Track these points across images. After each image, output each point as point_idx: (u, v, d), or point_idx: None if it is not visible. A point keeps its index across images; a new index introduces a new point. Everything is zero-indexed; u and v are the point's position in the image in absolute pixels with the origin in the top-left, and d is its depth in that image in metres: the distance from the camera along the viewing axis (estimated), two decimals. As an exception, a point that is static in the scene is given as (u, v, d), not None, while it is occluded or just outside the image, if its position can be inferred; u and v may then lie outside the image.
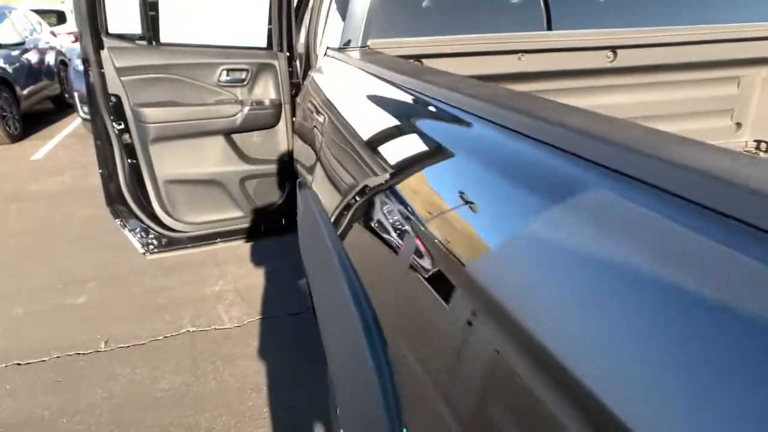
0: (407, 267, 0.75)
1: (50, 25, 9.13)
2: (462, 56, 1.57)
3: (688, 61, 1.73)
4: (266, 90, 2.34)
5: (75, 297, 2.94)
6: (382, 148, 1.01)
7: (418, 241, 0.73)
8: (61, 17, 10.40)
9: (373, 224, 0.93)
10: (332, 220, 1.16)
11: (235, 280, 3.05)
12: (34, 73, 7.24)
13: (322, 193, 1.30)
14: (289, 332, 2.56)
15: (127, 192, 2.27)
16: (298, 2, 2.84)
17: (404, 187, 0.86)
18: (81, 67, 6.02)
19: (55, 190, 4.67)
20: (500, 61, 1.60)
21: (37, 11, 9.00)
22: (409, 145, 0.92)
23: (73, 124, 7.22)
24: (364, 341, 0.81)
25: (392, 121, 1.02)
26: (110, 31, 2.01)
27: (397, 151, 0.95)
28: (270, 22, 2.27)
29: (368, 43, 1.52)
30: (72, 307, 2.84)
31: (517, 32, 1.62)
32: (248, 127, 2.31)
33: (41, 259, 3.40)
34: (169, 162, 2.23)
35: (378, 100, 1.13)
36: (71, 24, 10.24)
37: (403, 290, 0.76)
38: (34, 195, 4.59)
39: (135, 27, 2.09)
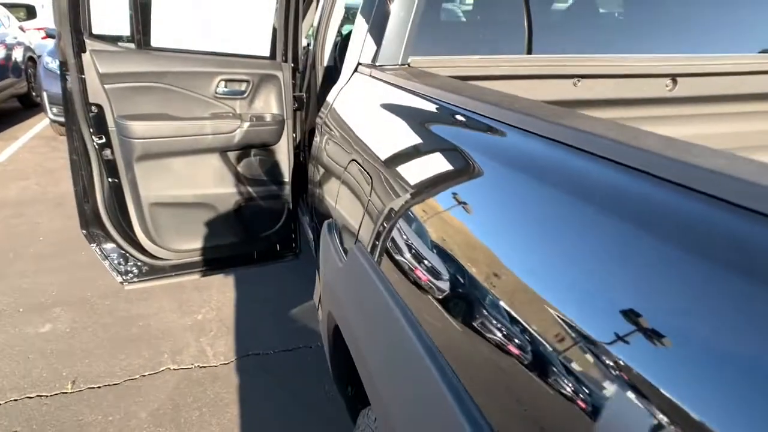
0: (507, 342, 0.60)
1: (19, 19, 8.64)
2: (510, 79, 1.38)
3: (755, 92, 1.58)
4: (268, 104, 2.10)
5: (38, 325, 2.62)
6: (468, 197, 0.79)
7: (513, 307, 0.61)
8: (30, 12, 9.89)
9: (461, 289, 0.72)
10: (400, 279, 0.93)
11: (219, 308, 2.78)
12: (0, 69, 6.78)
13: (382, 249, 1.08)
14: (282, 371, 2.31)
15: (105, 214, 1.99)
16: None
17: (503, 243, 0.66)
18: (51, 65, 5.63)
19: (18, 198, 4.30)
20: (554, 86, 1.42)
21: (5, 5, 8.51)
22: (504, 188, 0.72)
23: (41, 125, 6.79)
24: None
25: (478, 162, 0.81)
26: (94, 31, 1.75)
27: (489, 198, 0.75)
28: (274, 30, 2.04)
29: (408, 60, 1.32)
30: (35, 337, 2.52)
31: (573, 54, 1.44)
32: (247, 144, 2.07)
33: (3, 288, 3.06)
34: (156, 182, 1.96)
35: (457, 136, 0.92)
36: (41, 19, 9.75)
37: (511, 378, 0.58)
38: (-6, 203, 4.20)
39: (123, 28, 1.83)
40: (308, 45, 2.77)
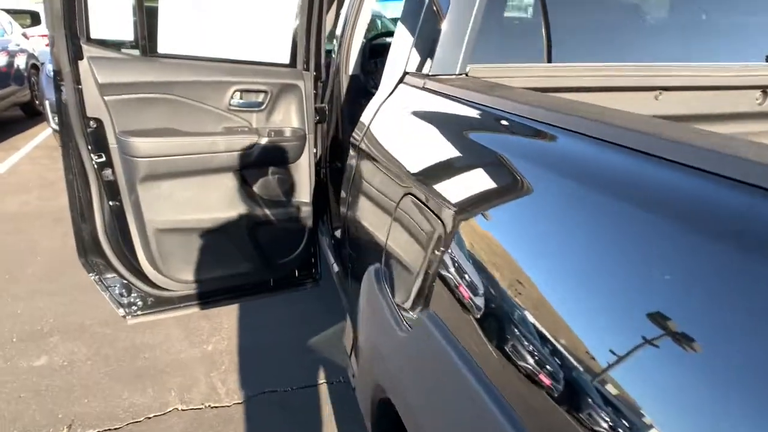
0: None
1: (23, 26, 8.49)
2: (583, 91, 1.15)
3: None
4: (288, 117, 1.88)
5: (33, 357, 2.40)
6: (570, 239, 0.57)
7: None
8: (35, 18, 9.73)
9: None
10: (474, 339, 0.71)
11: (231, 337, 2.55)
12: (2, 77, 6.61)
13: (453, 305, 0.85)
14: (301, 412, 2.07)
15: (105, 241, 1.77)
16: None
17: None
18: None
19: (17, 213, 4.09)
20: (632, 99, 1.19)
21: (8, 11, 8.36)
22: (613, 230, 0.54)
23: (43, 135, 6.61)
24: None
25: (598, 201, 0.59)
26: (92, 35, 1.53)
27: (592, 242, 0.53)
28: (295, 35, 1.82)
29: (467, 69, 1.09)
30: (28, 372, 2.30)
31: (655, 62, 1.21)
32: (264, 162, 1.84)
33: (-6, 303, 2.84)
34: (163, 206, 1.74)
35: (560, 164, 0.69)
36: (46, 26, 9.59)
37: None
38: (-9, 218, 4.00)
39: (125, 32, 1.61)
40: (330, 51, 2.56)
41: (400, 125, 1.16)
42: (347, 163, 1.37)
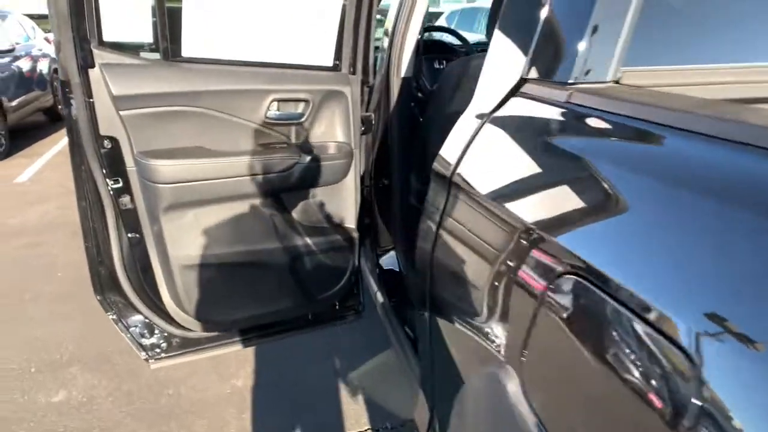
0: None
1: (45, 31, 8.42)
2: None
3: None
4: (331, 129, 1.61)
5: (51, 391, 2.19)
6: None
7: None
8: (58, 22, 9.67)
9: None
10: None
11: (261, 371, 2.31)
12: (25, 82, 6.51)
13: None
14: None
15: (124, 277, 1.53)
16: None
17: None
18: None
19: (36, 225, 3.93)
20: None
21: (31, 16, 8.30)
22: None
23: (65, 140, 6.45)
24: None
25: None
26: (105, 38, 1.29)
27: None
28: (340, 32, 1.55)
29: (619, 75, 0.79)
30: (46, 408, 2.09)
31: None
32: (306, 184, 1.58)
33: (10, 326, 2.66)
34: (189, 238, 1.49)
35: None
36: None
37: None
38: (12, 231, 3.85)
39: (144, 32, 1.36)
40: (376, 49, 2.27)
41: (530, 156, 0.83)
42: (430, 200, 1.06)
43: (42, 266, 3.26)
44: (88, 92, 1.29)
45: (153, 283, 1.55)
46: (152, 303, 1.59)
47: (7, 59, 6.24)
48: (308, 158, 1.52)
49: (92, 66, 1.28)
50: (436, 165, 1.03)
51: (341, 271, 1.77)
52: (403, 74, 1.74)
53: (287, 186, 1.54)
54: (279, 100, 1.51)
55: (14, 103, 6.15)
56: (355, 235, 1.73)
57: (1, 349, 2.46)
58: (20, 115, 6.30)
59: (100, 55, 1.28)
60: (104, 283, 1.56)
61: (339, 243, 1.71)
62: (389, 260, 1.94)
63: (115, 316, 1.62)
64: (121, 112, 1.32)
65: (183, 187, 1.39)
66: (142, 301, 1.58)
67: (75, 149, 1.40)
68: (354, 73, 1.62)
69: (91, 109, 1.31)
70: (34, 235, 3.72)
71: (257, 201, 1.54)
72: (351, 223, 1.73)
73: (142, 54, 1.38)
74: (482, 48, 3.19)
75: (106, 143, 1.35)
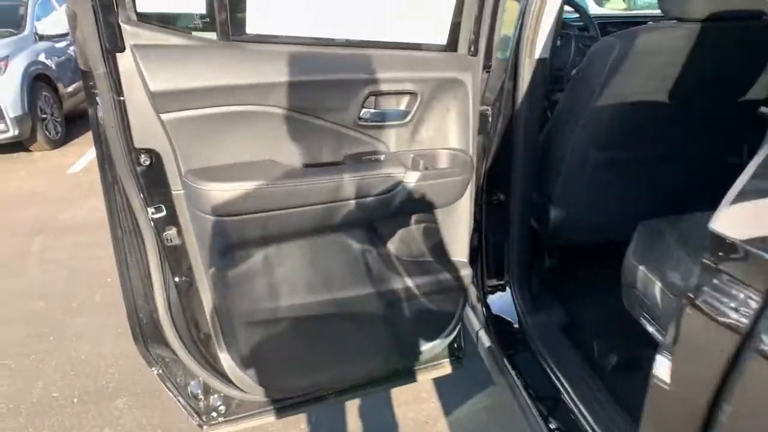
0: None
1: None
2: None
3: None
4: (444, 132, 1.18)
5: (94, 429, 1.91)
6: None
7: None
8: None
9: None
10: None
11: (336, 417, 1.93)
12: (77, 69, 6.38)
13: None
14: None
15: (171, 329, 1.16)
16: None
17: None
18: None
19: (86, 221, 3.74)
20: None
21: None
22: None
23: (120, 127, 6.35)
24: None
25: None
26: (140, 8, 0.88)
27: None
28: (459, 4, 1.09)
29: None
30: (87, 455, 1.80)
31: None
32: (412, 209, 1.15)
33: (54, 341, 2.41)
34: (258, 286, 1.10)
35: None
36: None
37: None
38: (62, 227, 3.68)
39: (193, 2, 0.95)
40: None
41: None
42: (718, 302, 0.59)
43: (90, 270, 3.02)
44: (117, 87, 0.90)
45: (206, 335, 1.17)
46: (204, 359, 1.22)
47: (63, 44, 6.12)
48: (417, 176, 1.08)
49: (122, 49, 0.88)
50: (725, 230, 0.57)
51: (446, 317, 1.34)
52: (538, 54, 1.26)
53: (387, 212, 1.11)
54: (377, 94, 1.08)
55: (70, 89, 6.04)
56: (466, 272, 1.29)
57: (43, 370, 2.21)
58: (76, 101, 6.19)
59: (133, 33, 0.88)
60: (147, 332, 1.20)
61: (446, 282, 1.28)
62: (500, 301, 1.50)
63: (161, 371, 1.26)
64: (162, 116, 0.93)
65: (248, 221, 0.99)
66: (194, 359, 1.21)
67: (105, 164, 1.03)
68: (475, 53, 1.17)
69: (121, 110, 0.92)
70: (84, 234, 3.51)
71: (346, 234, 1.12)
72: (462, 255, 1.29)
73: (192, 33, 0.97)
74: (604, 22, 2.65)
75: (143, 158, 0.96)
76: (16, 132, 5.05)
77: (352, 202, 1.05)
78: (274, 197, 0.99)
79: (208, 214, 0.97)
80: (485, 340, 1.54)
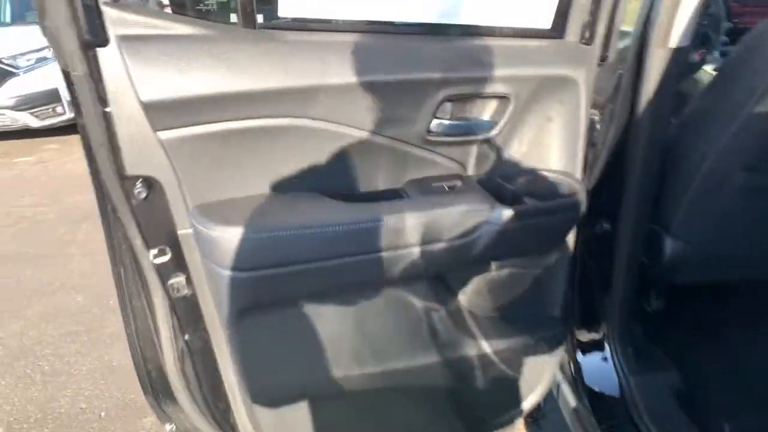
0: None
1: None
2: None
3: None
4: (543, 147, 0.86)
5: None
6: None
7: None
8: None
9: None
10: None
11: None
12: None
13: None
14: None
15: (184, 391, 0.93)
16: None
17: None
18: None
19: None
20: None
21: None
22: None
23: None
24: None
25: None
26: None
27: None
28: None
29: None
30: (107, 486, 1.64)
31: None
32: (497, 257, 0.86)
33: (87, 343, 2.32)
34: (290, 357, 0.84)
35: None
36: None
37: None
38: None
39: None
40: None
41: None
42: None
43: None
44: (102, 97, 0.64)
45: (227, 409, 0.93)
46: (221, 426, 0.99)
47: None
48: (506, 212, 0.78)
49: (104, 42, 0.62)
50: None
51: (529, 385, 1.05)
52: (675, 42, 0.92)
53: (464, 262, 0.82)
54: (454, 99, 0.78)
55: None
56: (560, 330, 0.99)
57: (74, 376, 2.09)
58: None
59: (118, 20, 0.62)
60: (156, 386, 0.98)
61: (532, 348, 0.97)
62: (594, 361, 1.17)
63: (172, 426, 1.04)
64: (160, 134, 0.67)
65: (277, 276, 0.73)
66: (208, 419, 0.98)
67: (99, 184, 0.79)
68: (590, 41, 0.84)
69: (108, 124, 0.67)
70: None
71: (405, 289, 0.84)
72: (555, 307, 0.99)
73: (200, 14, 0.70)
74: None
75: (138, 189, 0.71)
76: (72, 114, 5.09)
77: (416, 249, 0.77)
78: (313, 245, 0.72)
79: (224, 269, 0.71)
80: (570, 401, 1.23)
